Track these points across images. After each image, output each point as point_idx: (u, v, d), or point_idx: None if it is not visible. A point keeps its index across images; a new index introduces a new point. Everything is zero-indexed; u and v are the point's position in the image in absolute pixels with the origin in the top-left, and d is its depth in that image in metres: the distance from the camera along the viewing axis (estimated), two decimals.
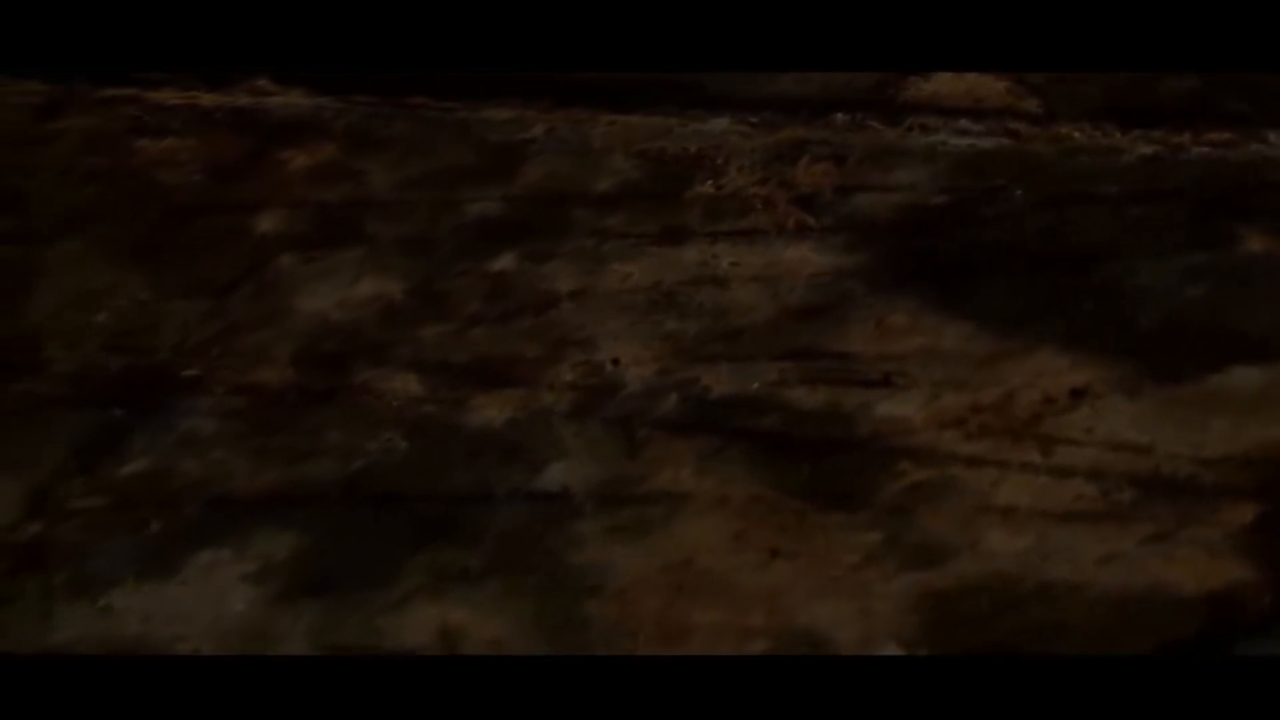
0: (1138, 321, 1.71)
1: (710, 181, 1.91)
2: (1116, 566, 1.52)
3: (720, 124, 1.97)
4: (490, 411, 1.70)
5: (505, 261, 1.85)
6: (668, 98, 1.99)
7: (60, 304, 1.86)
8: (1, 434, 1.73)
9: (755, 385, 1.70)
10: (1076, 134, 1.92)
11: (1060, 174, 1.88)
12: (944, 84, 1.99)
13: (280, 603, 1.55)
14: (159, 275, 1.87)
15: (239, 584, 1.57)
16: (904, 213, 1.85)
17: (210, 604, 1.56)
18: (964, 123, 1.94)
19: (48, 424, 1.73)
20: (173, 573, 1.59)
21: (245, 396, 1.73)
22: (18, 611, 1.58)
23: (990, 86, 1.98)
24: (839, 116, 1.96)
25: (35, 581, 1.59)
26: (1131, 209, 1.83)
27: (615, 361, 1.73)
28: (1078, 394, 1.66)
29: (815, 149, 1.93)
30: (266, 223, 1.93)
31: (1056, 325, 1.72)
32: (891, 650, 1.49)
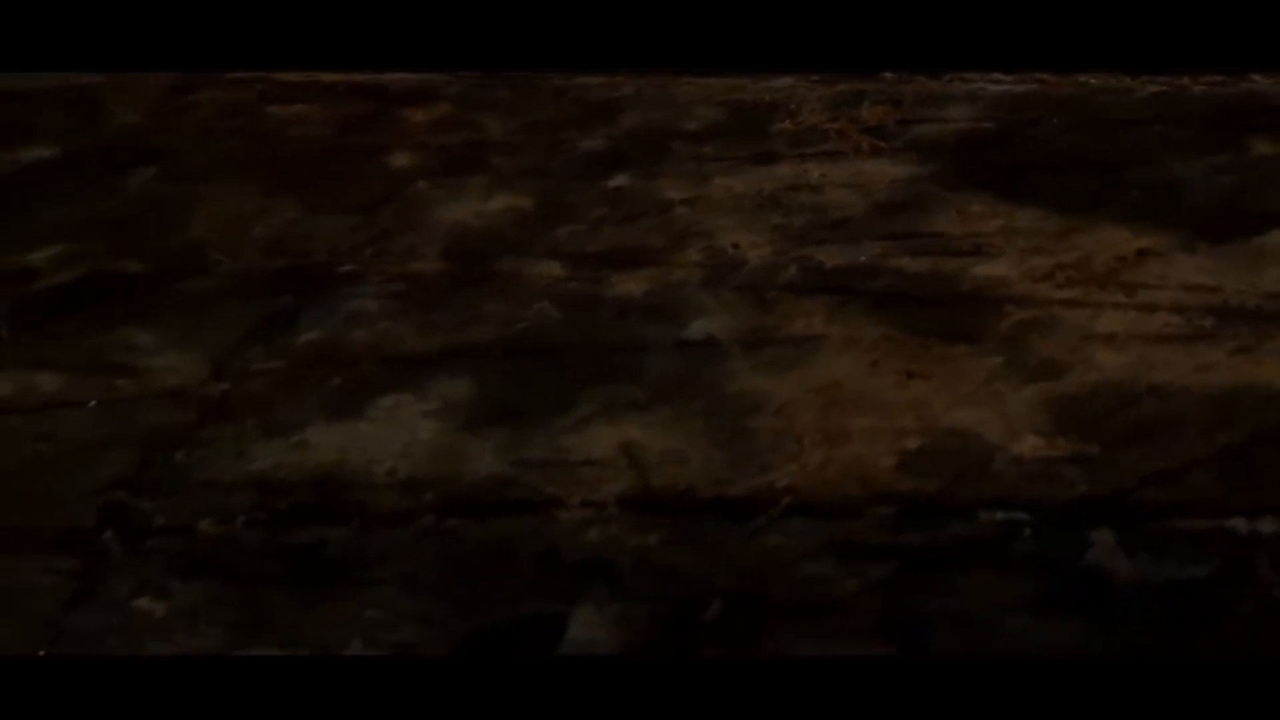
0: (1181, 202, 1.72)
1: (788, 120, 1.90)
2: (1212, 372, 1.48)
3: (786, 81, 1.96)
4: (629, 286, 1.63)
5: (619, 180, 1.80)
6: (735, 66, 1.99)
7: (218, 225, 1.76)
8: (178, 319, 1.61)
9: (863, 258, 1.66)
10: (1094, 81, 1.95)
11: (1086, 107, 1.90)
12: None
13: (466, 429, 1.45)
14: (306, 201, 1.79)
15: (424, 419, 1.46)
16: (960, 136, 1.86)
17: (400, 434, 1.45)
18: (996, 75, 1.97)
19: (221, 310, 1.61)
20: (359, 414, 1.47)
21: (403, 283, 1.65)
22: (215, 450, 1.44)
23: None
24: (888, 74, 1.97)
25: (229, 427, 1.46)
26: (1153, 128, 1.86)
27: (735, 245, 1.69)
28: (1144, 253, 1.64)
29: (873, 96, 1.93)
30: (398, 160, 1.87)
31: (1113, 208, 1.71)
32: (1031, 441, 1.45)
